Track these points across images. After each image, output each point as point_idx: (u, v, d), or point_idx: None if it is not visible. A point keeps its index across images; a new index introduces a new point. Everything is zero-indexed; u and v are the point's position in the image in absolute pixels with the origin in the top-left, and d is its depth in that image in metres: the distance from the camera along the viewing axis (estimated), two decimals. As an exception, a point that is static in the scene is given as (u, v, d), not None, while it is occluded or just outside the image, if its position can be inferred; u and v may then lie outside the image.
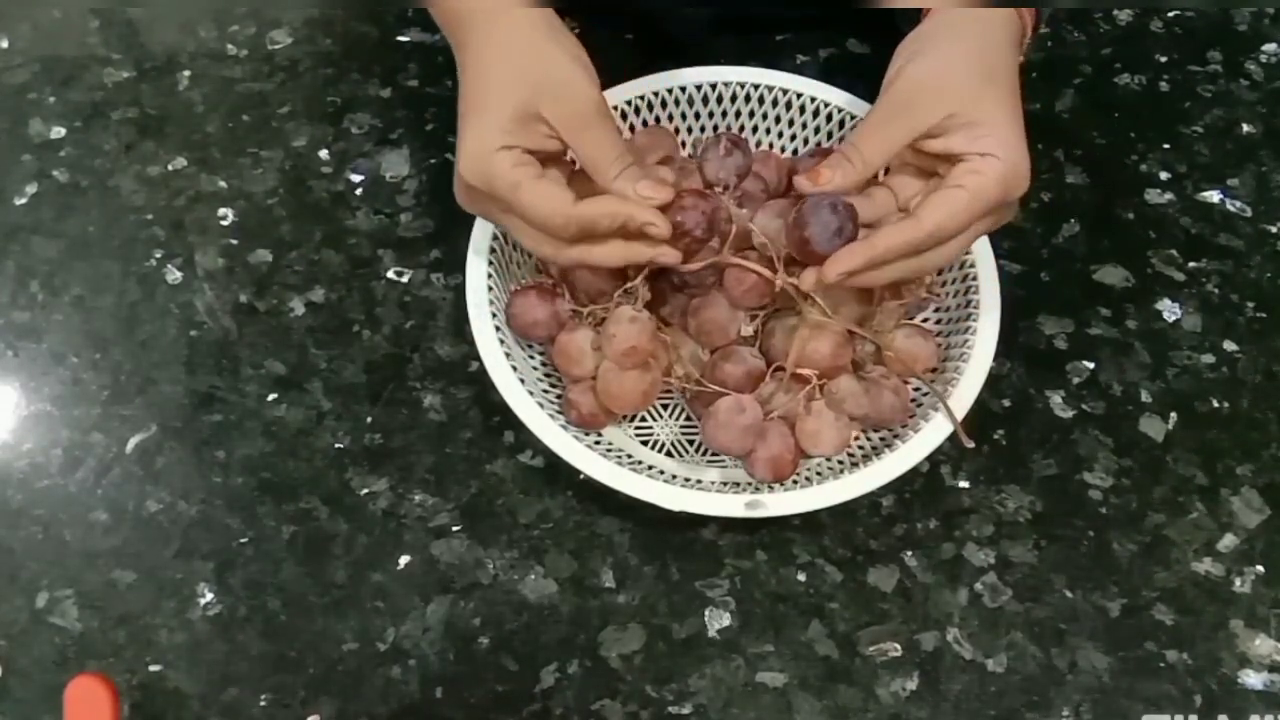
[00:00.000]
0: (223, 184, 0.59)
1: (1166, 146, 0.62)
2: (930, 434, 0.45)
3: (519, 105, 0.41)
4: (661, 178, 0.44)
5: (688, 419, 0.52)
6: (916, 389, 0.49)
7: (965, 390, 0.46)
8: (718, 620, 0.47)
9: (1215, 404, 0.53)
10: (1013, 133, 0.41)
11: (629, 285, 0.48)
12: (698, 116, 0.55)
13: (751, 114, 0.55)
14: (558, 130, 0.41)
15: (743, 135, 0.56)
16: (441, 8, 0.45)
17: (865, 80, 0.51)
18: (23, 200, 0.59)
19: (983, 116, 0.41)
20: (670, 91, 0.54)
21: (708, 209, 0.43)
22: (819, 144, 0.55)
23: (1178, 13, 0.67)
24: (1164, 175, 0.61)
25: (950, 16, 0.43)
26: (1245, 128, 0.63)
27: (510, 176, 0.41)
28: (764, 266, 0.45)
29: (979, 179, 0.41)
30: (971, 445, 0.46)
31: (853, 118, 0.52)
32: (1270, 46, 0.66)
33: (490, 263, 0.49)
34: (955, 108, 0.41)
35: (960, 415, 0.45)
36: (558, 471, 0.49)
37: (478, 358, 0.46)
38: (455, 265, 0.55)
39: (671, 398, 0.52)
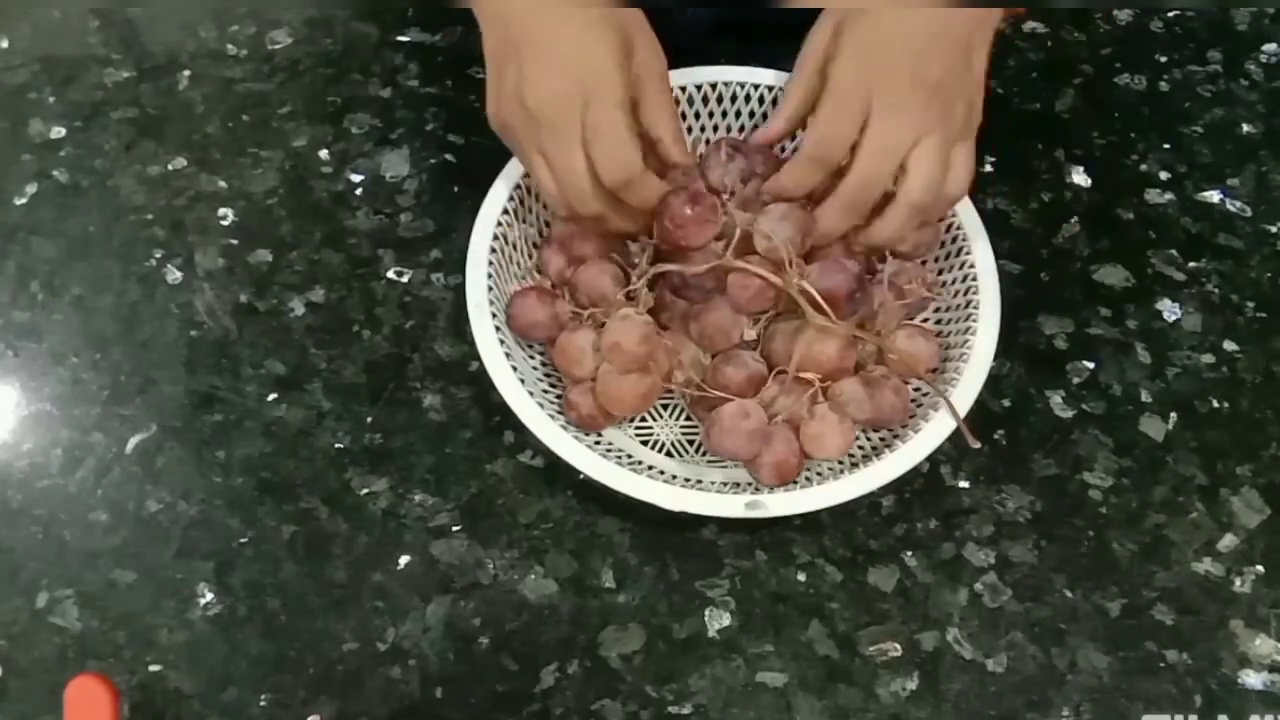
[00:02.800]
0: (223, 184, 0.59)
1: (1166, 146, 0.62)
2: (930, 434, 0.45)
3: (619, 31, 0.41)
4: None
5: (688, 419, 0.52)
6: (917, 389, 0.49)
7: (965, 390, 0.46)
8: (718, 620, 0.47)
9: (1215, 404, 0.53)
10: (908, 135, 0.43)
11: (631, 288, 0.48)
12: (698, 116, 0.55)
13: (752, 114, 0.55)
14: (640, 74, 0.42)
15: (743, 136, 0.56)
16: None
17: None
18: (23, 200, 0.59)
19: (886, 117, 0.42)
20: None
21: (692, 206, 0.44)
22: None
23: (1178, 13, 0.67)
24: (1164, 175, 0.61)
25: None
26: (1245, 128, 0.63)
27: (615, 96, 0.41)
28: (769, 271, 0.45)
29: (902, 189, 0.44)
30: (977, 445, 0.46)
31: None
32: (1270, 46, 0.66)
33: (490, 263, 0.49)
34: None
35: (961, 415, 0.45)
36: (558, 471, 0.49)
37: (478, 358, 0.46)
38: (455, 265, 0.55)
39: (672, 398, 0.52)
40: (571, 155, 0.43)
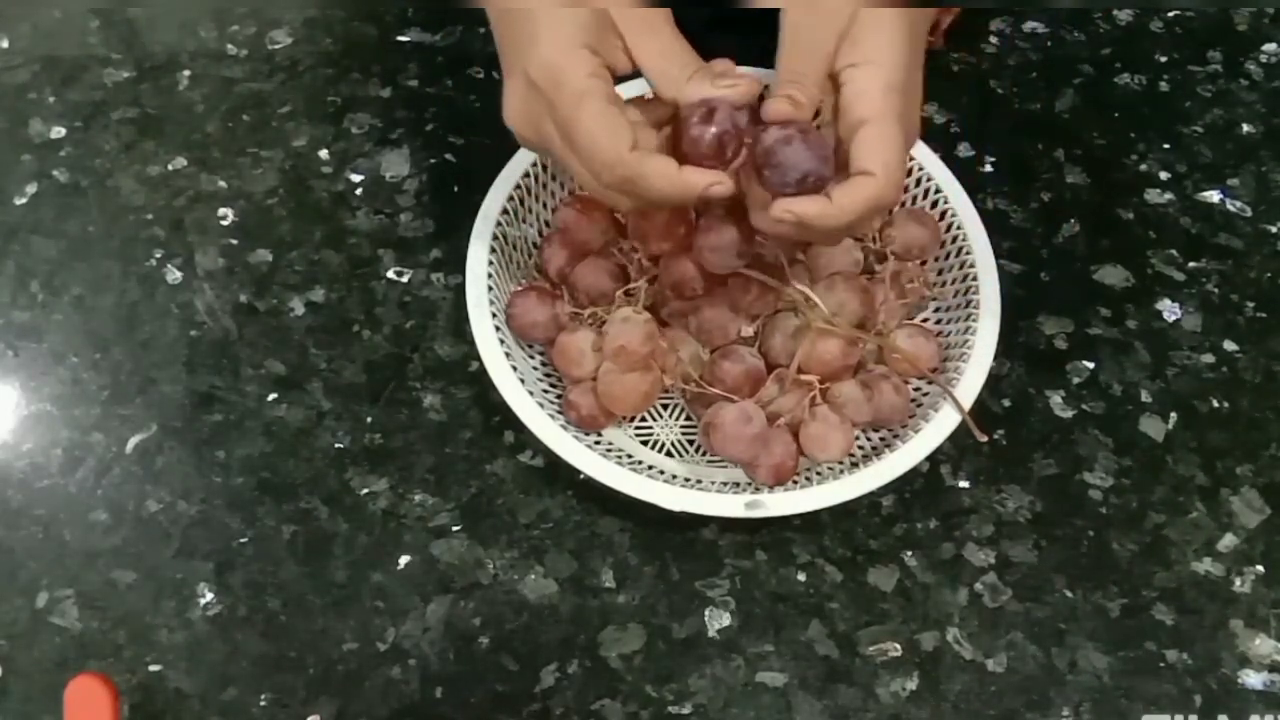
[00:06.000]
0: (223, 184, 0.59)
1: (1166, 146, 0.62)
2: (931, 434, 0.45)
3: (594, 9, 0.38)
4: (740, 74, 0.40)
5: (688, 419, 0.52)
6: (917, 388, 0.49)
7: (965, 390, 0.46)
8: (718, 620, 0.47)
9: (1215, 404, 0.53)
10: (894, 32, 0.39)
11: (630, 286, 0.48)
12: (698, 116, 0.55)
13: (751, 114, 0.55)
14: (625, 34, 0.38)
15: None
16: None
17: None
18: (23, 200, 0.59)
19: (867, 18, 0.39)
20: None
21: (718, 126, 0.38)
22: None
23: (1178, 13, 0.67)
24: (1164, 175, 0.61)
25: None
26: (1245, 128, 0.63)
27: (581, 83, 0.37)
28: (770, 276, 0.45)
29: (867, 92, 0.38)
30: (984, 438, 0.46)
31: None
32: (1270, 46, 0.66)
33: (490, 263, 0.49)
34: (845, 19, 0.39)
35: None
36: (558, 471, 0.49)
37: (478, 358, 0.46)
38: (455, 265, 0.55)
39: (672, 398, 0.52)
40: (569, 166, 0.40)
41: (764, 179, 0.38)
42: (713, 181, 0.38)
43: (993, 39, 0.66)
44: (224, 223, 0.58)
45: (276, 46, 0.64)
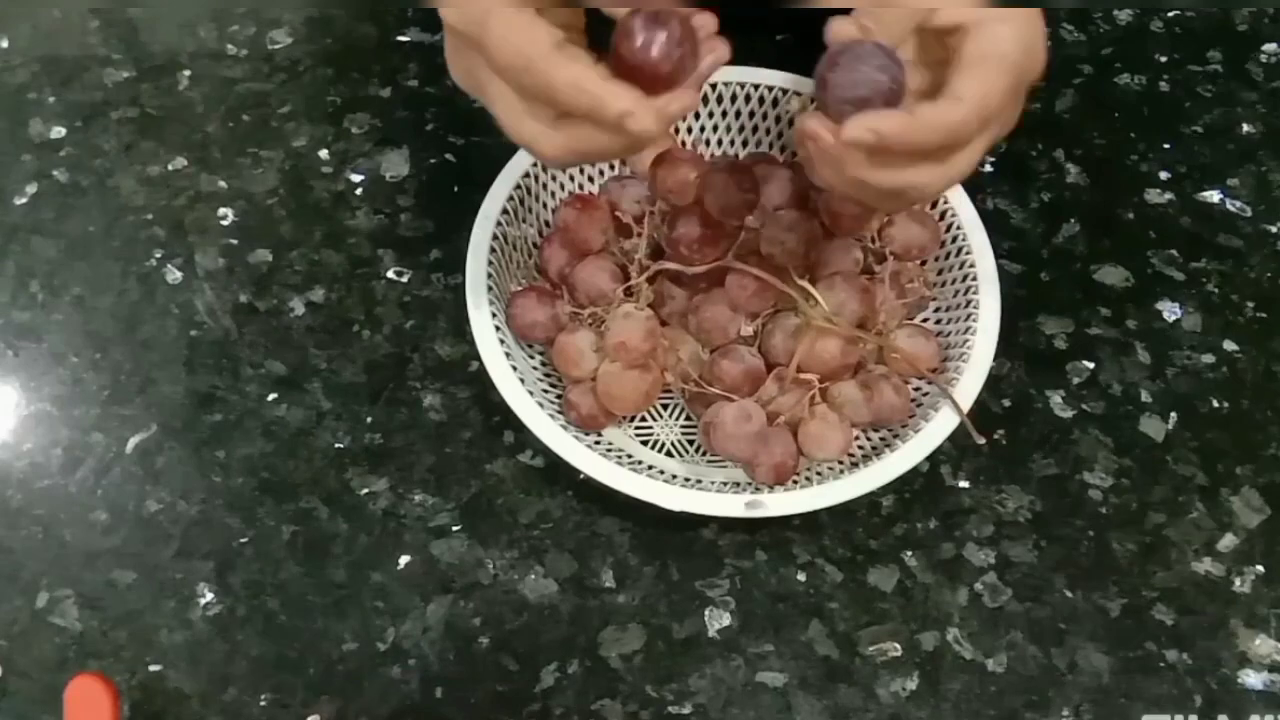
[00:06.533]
0: (223, 184, 0.59)
1: (1166, 146, 0.62)
2: (930, 434, 0.45)
3: None
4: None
5: (688, 419, 0.52)
6: (917, 389, 0.49)
7: (965, 390, 0.46)
8: (718, 620, 0.47)
9: (1215, 404, 0.53)
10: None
11: (631, 284, 0.48)
12: (696, 117, 0.55)
13: (751, 114, 0.55)
14: None
15: (743, 136, 0.56)
16: None
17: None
18: (23, 200, 0.59)
19: None
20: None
21: (666, 31, 0.32)
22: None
23: (1178, 13, 0.67)
24: (1164, 175, 0.61)
25: None
26: (1245, 128, 0.63)
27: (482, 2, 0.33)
28: (769, 273, 0.45)
29: (997, 43, 0.35)
30: (982, 440, 0.46)
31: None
32: (1270, 46, 0.66)
33: (490, 263, 0.49)
34: None
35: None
36: (558, 471, 0.49)
37: (478, 358, 0.46)
38: (455, 265, 0.55)
39: (672, 398, 0.52)
40: (495, 99, 0.35)
41: (827, 93, 0.34)
42: (627, 110, 0.32)
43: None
44: (224, 223, 0.58)
45: (276, 46, 0.64)
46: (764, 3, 0.51)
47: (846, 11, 0.38)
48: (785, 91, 0.53)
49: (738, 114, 0.55)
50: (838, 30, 0.34)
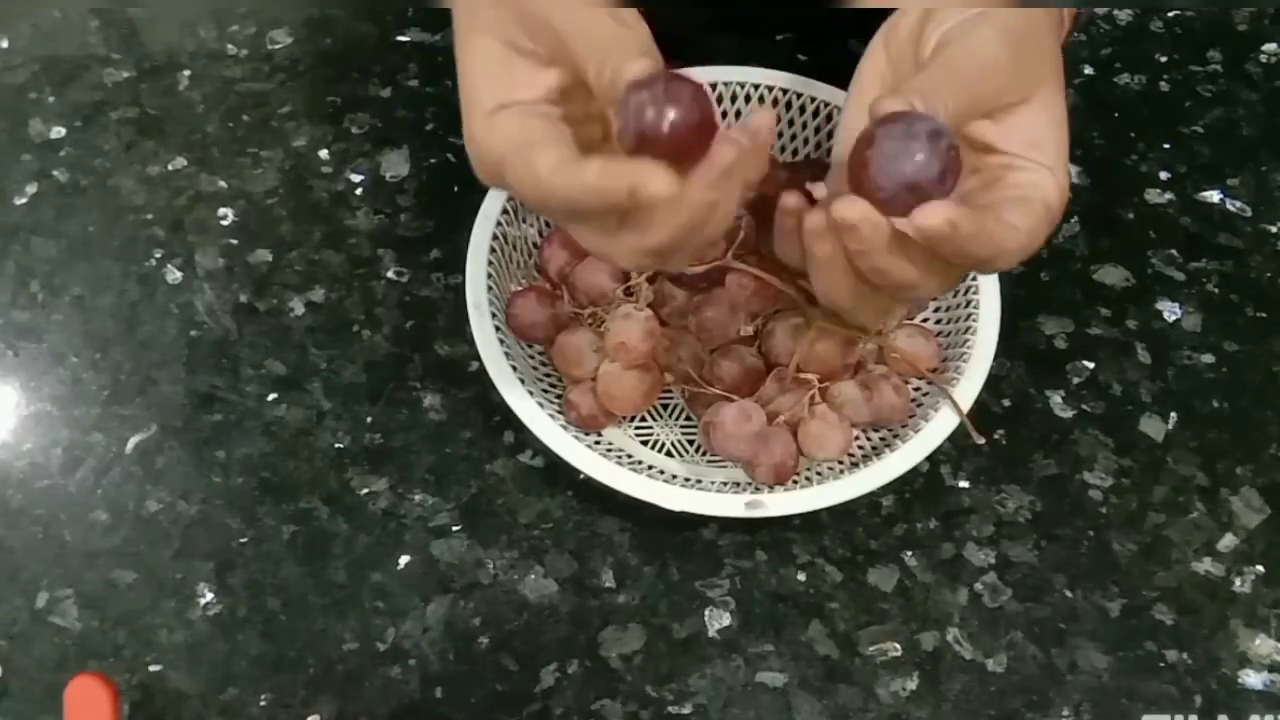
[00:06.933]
0: (223, 184, 0.59)
1: (1166, 146, 0.62)
2: (931, 434, 0.45)
3: (506, 23, 0.33)
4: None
5: (688, 419, 0.52)
6: (917, 388, 0.49)
7: (965, 390, 0.46)
8: (718, 620, 0.47)
9: (1215, 404, 0.53)
10: (1063, 142, 0.36)
11: (630, 284, 0.48)
12: (698, 116, 0.55)
13: (752, 114, 0.55)
14: (549, 26, 0.32)
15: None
16: None
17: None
18: (23, 200, 0.59)
19: (1043, 106, 0.35)
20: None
21: (670, 94, 0.29)
22: (818, 145, 0.55)
23: (1178, 13, 0.67)
24: (1164, 175, 0.61)
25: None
26: (1245, 128, 0.63)
27: (497, 144, 0.33)
28: (769, 273, 0.45)
29: (1043, 191, 0.34)
30: (982, 440, 0.46)
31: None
32: (1270, 46, 0.66)
33: (490, 263, 0.49)
34: (1009, 81, 0.34)
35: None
36: (558, 471, 0.49)
37: (478, 358, 0.46)
38: (455, 265, 0.55)
39: (671, 398, 0.52)
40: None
41: (869, 172, 0.30)
42: (637, 182, 0.29)
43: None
44: (224, 223, 0.58)
45: (276, 46, 0.64)
46: (813, 2, 0.49)
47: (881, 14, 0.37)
48: (785, 91, 0.53)
49: (738, 114, 0.55)
50: (883, 105, 0.32)
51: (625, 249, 0.33)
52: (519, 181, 0.32)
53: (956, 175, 0.30)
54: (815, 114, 0.54)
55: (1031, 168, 0.35)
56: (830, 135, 0.54)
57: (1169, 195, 0.60)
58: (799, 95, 0.53)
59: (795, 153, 0.56)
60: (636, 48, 0.32)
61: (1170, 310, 0.56)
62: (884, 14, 0.42)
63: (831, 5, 0.42)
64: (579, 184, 0.30)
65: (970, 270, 0.36)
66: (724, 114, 0.55)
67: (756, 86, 0.54)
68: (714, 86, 0.54)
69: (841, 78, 0.53)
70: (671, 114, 0.28)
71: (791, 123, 0.55)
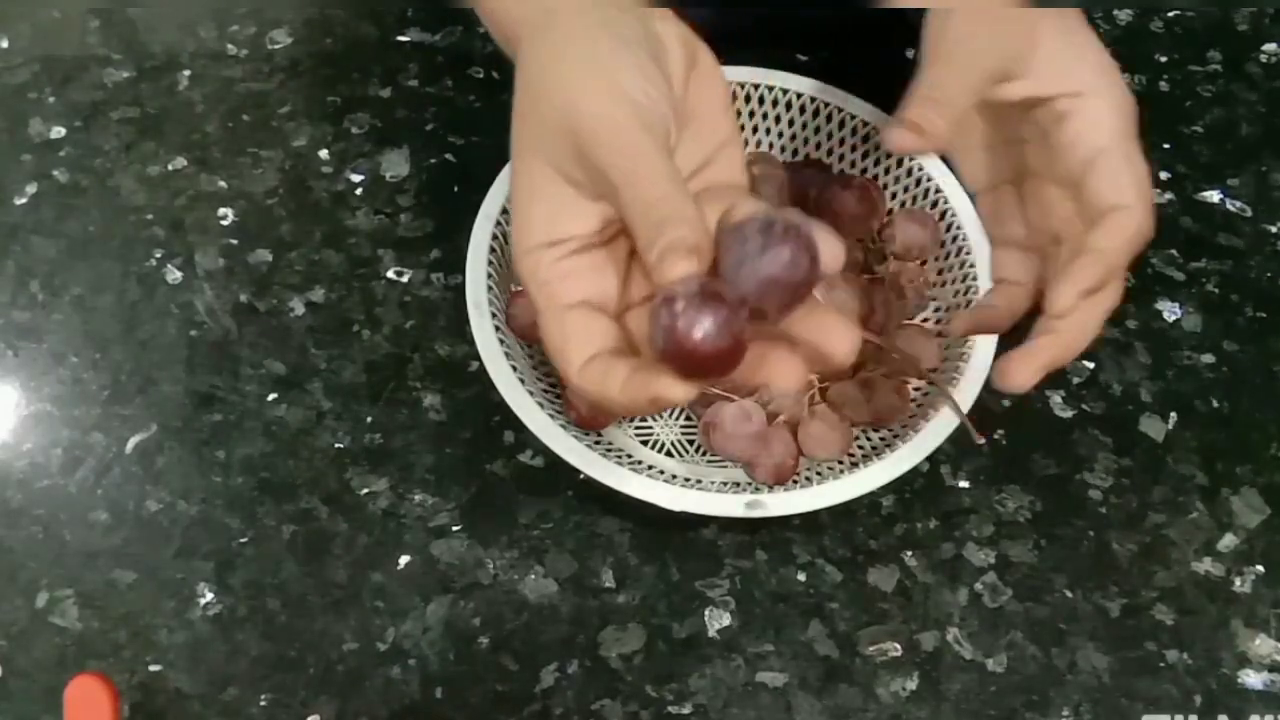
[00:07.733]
0: (223, 184, 0.59)
1: (1166, 146, 0.62)
2: (930, 434, 0.45)
3: (563, 154, 0.31)
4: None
5: (688, 419, 0.52)
6: (917, 388, 0.49)
7: (965, 390, 0.46)
8: (718, 620, 0.47)
9: (1215, 404, 0.53)
10: (1097, 61, 0.34)
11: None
12: (698, 116, 0.55)
13: (751, 114, 0.55)
14: (604, 173, 0.30)
15: (742, 136, 0.55)
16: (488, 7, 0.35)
17: (868, 81, 0.52)
18: (23, 200, 0.59)
19: (1059, 39, 0.34)
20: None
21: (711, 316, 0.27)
22: (818, 145, 0.55)
23: (1178, 13, 0.67)
24: (1164, 175, 0.61)
25: None
26: (1245, 128, 0.63)
27: (539, 295, 0.32)
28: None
29: (1100, 122, 0.33)
30: (981, 441, 0.46)
31: (853, 118, 0.52)
32: (1270, 46, 0.66)
33: (490, 263, 0.49)
34: (1022, 37, 0.33)
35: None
36: (558, 471, 0.49)
37: (478, 358, 0.46)
38: (455, 265, 0.55)
39: (671, 398, 0.52)
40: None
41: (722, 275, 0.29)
42: (659, 394, 0.29)
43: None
44: (224, 223, 0.58)
45: (276, 46, 0.64)
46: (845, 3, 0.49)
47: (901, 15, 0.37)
48: (785, 91, 0.53)
49: (738, 114, 0.55)
50: (895, 140, 0.32)
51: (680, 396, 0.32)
52: (547, 347, 0.32)
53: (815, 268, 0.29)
54: (815, 114, 0.54)
55: (1076, 108, 0.34)
56: (829, 136, 0.54)
57: (1169, 195, 0.60)
58: (799, 95, 0.53)
59: (795, 153, 0.56)
60: (679, 216, 0.29)
61: (1170, 310, 0.56)
62: (898, 16, 0.42)
63: (871, 4, 0.41)
64: (602, 392, 0.30)
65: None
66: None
67: (756, 86, 0.53)
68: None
69: (841, 78, 0.53)
70: (699, 337, 0.27)
71: (791, 123, 0.55)
